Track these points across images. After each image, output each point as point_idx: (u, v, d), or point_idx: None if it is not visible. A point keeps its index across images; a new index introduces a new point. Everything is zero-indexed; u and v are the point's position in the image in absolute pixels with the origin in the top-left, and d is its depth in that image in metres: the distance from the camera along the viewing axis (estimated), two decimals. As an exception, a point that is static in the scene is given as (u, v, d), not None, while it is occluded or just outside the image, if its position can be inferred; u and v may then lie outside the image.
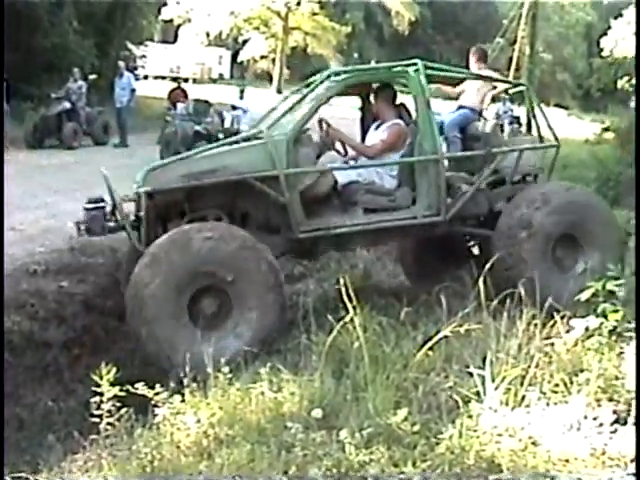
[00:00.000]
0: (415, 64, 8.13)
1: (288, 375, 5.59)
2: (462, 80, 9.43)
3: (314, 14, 54.65)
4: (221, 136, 16.71)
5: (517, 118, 22.49)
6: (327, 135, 8.30)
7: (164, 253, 6.92)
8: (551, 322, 6.08)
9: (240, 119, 19.18)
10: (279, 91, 50.67)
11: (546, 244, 7.92)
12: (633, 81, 17.32)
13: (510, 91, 10.57)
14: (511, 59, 30.88)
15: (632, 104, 18.52)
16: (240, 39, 58.01)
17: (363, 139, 8.85)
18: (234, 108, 19.82)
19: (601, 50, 41.35)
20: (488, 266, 6.56)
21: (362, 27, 62.39)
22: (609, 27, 45.50)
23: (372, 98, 8.77)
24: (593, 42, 54.97)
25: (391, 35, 62.03)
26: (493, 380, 4.88)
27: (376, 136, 8.48)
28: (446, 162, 8.31)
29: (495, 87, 9.87)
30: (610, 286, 5.89)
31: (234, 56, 58.35)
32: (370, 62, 50.04)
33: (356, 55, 61.83)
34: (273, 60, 56.09)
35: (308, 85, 8.51)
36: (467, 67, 10.00)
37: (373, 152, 8.30)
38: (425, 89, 8.03)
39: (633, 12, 21.79)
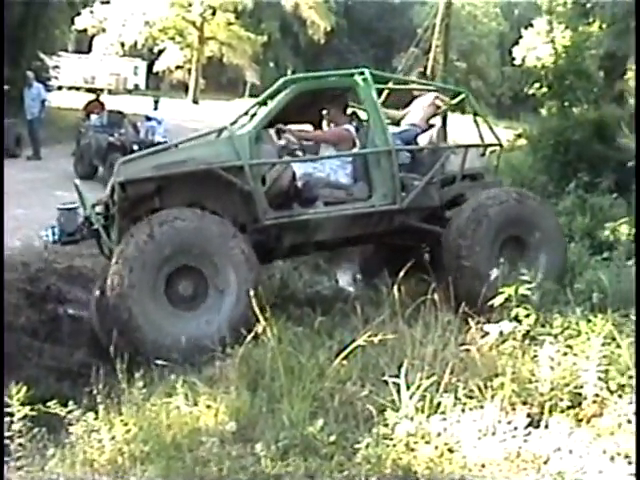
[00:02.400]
0: (363, 72, 8.67)
1: (204, 388, 5.54)
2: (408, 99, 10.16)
3: (229, 24, 54.67)
4: (135, 147, 16.51)
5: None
6: (281, 138, 8.68)
7: (142, 234, 7.28)
8: (466, 328, 6.17)
9: (155, 130, 18.99)
10: (195, 101, 50.49)
11: (494, 243, 8.31)
12: (544, 89, 17.59)
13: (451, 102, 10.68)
14: (426, 68, 31.20)
15: (543, 111, 18.83)
16: (155, 49, 57.54)
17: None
18: (148, 119, 19.61)
19: (513, 59, 42.27)
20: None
21: (278, 36, 62.49)
22: (520, 37, 46.64)
23: (324, 110, 9.15)
24: (505, 51, 56.17)
25: (307, 44, 62.25)
26: (408, 388, 4.91)
27: None
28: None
29: (439, 107, 10.25)
30: (523, 290, 5.98)
31: (150, 66, 57.75)
32: (287, 71, 50.19)
33: (272, 64, 61.85)
34: (189, 70, 55.79)
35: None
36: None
37: (309, 136, 9.07)
38: (373, 92, 8.60)
39: (543, 22, 22.29)
